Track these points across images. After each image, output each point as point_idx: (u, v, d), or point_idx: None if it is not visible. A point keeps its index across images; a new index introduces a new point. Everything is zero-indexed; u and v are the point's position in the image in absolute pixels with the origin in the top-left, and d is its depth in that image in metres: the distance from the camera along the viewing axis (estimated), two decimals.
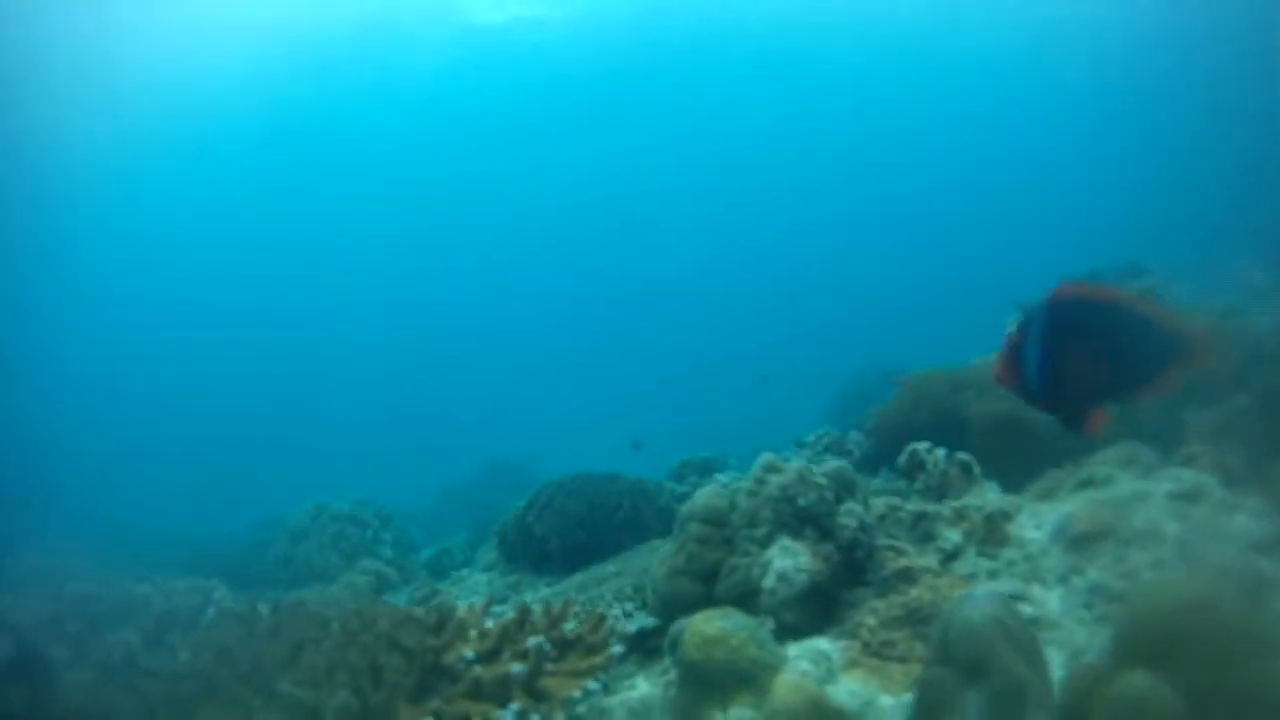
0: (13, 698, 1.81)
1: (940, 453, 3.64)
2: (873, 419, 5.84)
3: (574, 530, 5.18)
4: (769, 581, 2.73)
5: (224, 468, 19.44)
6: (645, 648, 2.99)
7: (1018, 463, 3.71)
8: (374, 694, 1.91)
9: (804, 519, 2.87)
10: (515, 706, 1.93)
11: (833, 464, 3.11)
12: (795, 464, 2.97)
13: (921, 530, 3.08)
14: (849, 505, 2.98)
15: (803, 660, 2.58)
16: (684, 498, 5.98)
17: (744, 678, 2.48)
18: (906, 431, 5.17)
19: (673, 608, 2.85)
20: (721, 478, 6.50)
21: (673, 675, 2.73)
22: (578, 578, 3.89)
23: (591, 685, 2.17)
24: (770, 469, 2.94)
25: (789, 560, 2.77)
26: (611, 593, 3.14)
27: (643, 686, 2.80)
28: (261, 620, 2.35)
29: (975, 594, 1.99)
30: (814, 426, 7.79)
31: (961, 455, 3.61)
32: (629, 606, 3.04)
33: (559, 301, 31.31)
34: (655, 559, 3.02)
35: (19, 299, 21.11)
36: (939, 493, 3.58)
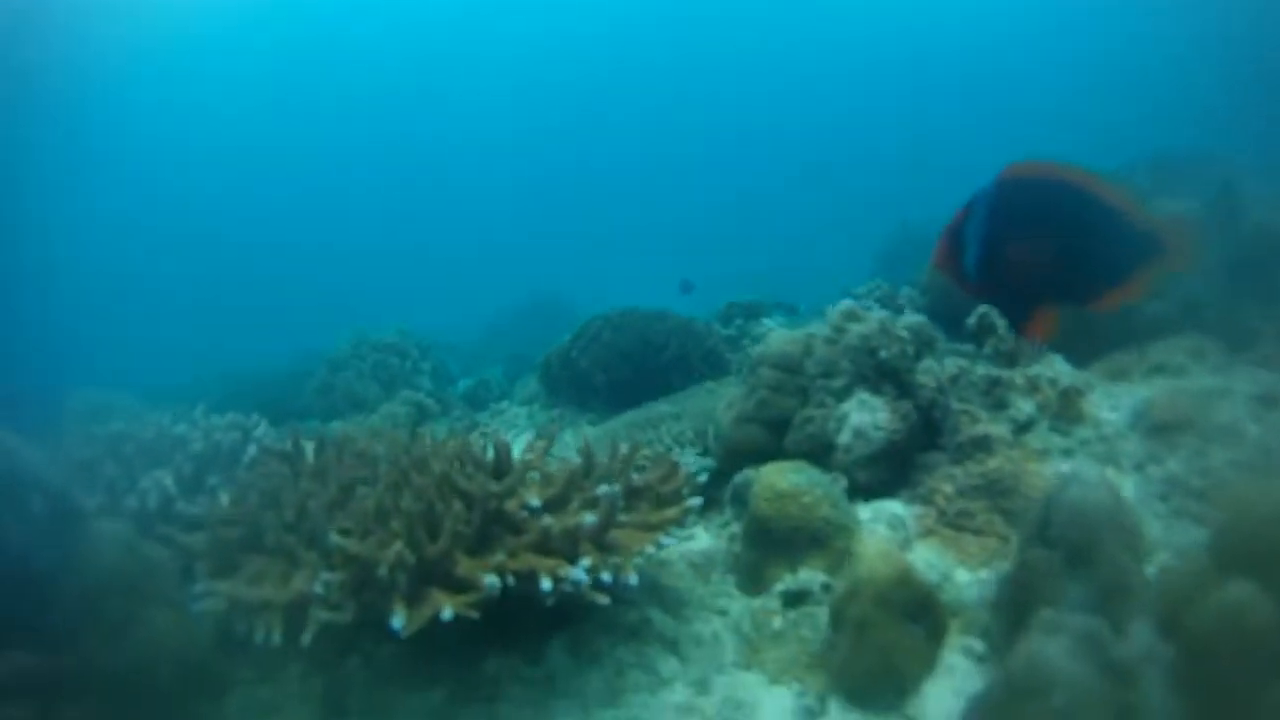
0: (45, 559, 1.68)
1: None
2: (928, 274, 5.59)
3: (620, 366, 5.02)
4: (845, 437, 2.54)
5: (267, 308, 19.50)
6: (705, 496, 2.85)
7: (1078, 337, 3.54)
8: (431, 545, 1.75)
9: (884, 373, 2.65)
10: (586, 562, 1.76)
11: (913, 318, 2.87)
12: (877, 313, 2.72)
13: (995, 397, 2.86)
14: (928, 362, 2.76)
15: (879, 524, 2.42)
16: (732, 341, 5.83)
17: (816, 538, 2.33)
18: (958, 291, 4.97)
19: (738, 456, 2.68)
20: (768, 322, 6.27)
21: (735, 528, 2.59)
22: (628, 416, 3.72)
23: (664, 540, 2.01)
24: (850, 317, 2.69)
25: (867, 415, 2.56)
26: (671, 436, 2.97)
27: (703, 538, 2.67)
28: (305, 460, 2.20)
29: (1082, 475, 1.79)
30: (858, 281, 7.54)
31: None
32: (691, 453, 2.88)
33: (611, 137, 30.35)
34: (720, 403, 2.83)
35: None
36: (1009, 359, 3.35)
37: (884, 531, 2.39)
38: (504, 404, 6.24)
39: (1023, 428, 2.74)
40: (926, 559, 2.33)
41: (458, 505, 1.83)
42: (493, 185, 29.31)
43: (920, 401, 2.67)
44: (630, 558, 1.83)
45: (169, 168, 25.63)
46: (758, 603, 2.31)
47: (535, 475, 2.06)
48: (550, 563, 1.71)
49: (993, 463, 2.50)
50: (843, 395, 2.59)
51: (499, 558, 1.72)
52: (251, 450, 2.38)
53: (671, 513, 1.99)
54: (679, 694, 2.04)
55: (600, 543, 1.87)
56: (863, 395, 2.59)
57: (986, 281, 1.66)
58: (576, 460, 2.18)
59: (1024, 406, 2.80)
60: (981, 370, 2.97)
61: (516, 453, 2.33)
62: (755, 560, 2.36)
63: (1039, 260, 1.56)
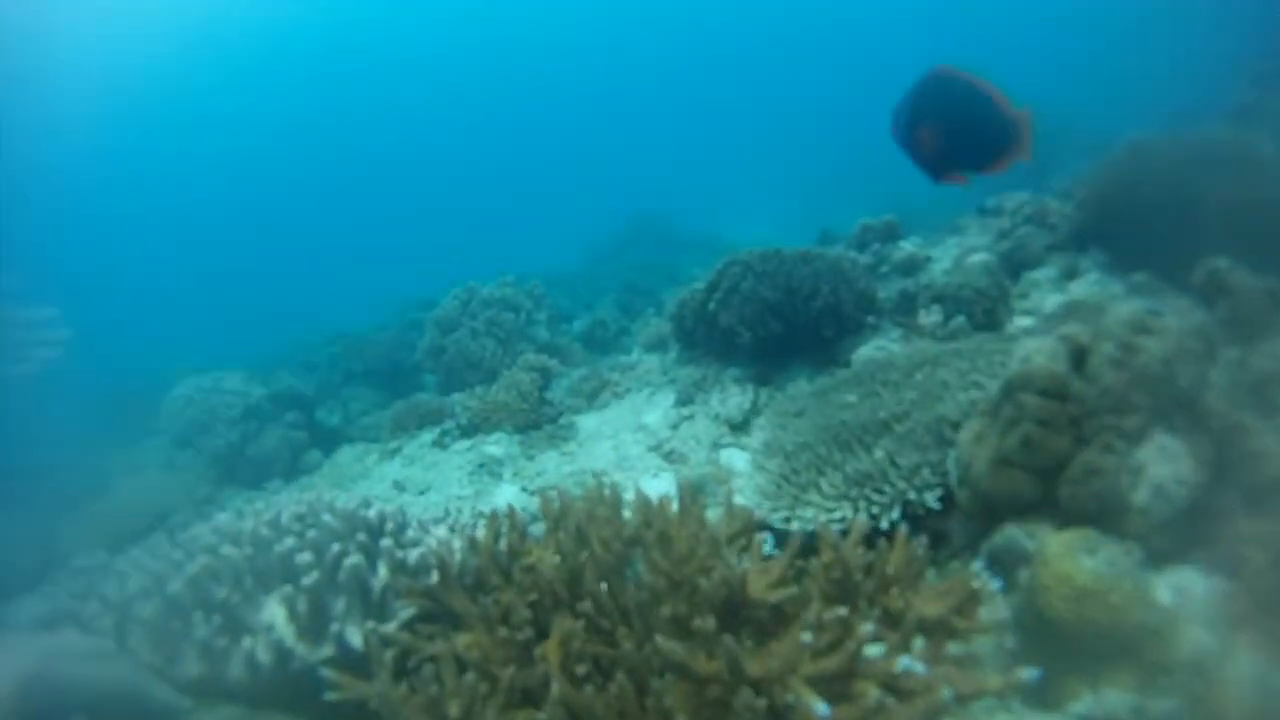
0: None
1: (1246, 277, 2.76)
2: (1083, 187, 4.85)
3: (767, 320, 4.42)
4: (1142, 495, 1.94)
5: (365, 260, 19.45)
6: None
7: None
8: None
9: (1180, 404, 2.02)
10: None
11: (1192, 318, 2.20)
12: (1171, 322, 2.06)
13: (1263, 397, 2.24)
14: (1213, 375, 2.13)
15: (1196, 627, 1.85)
16: (882, 278, 5.16)
17: (1124, 647, 1.79)
18: (1125, 208, 4.35)
19: (995, 507, 2.11)
20: (906, 245, 5.57)
21: (1002, 612, 2.05)
22: (807, 409, 3.15)
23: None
24: (1141, 328, 2.04)
25: (1168, 467, 1.96)
26: (900, 473, 2.39)
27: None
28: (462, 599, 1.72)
29: None
30: (963, 195, 6.72)
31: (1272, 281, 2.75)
32: (930, 496, 2.31)
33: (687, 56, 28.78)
34: (966, 435, 2.23)
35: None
36: (1245, 329, 2.70)
37: (1201, 638, 1.82)
38: (633, 355, 5.74)
39: None
40: (1252, 672, 1.78)
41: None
42: (576, 111, 28.37)
43: (1215, 434, 2.06)
44: None
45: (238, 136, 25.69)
46: None
47: (803, 636, 1.43)
48: None
49: None
50: (1137, 438, 1.98)
51: None
52: (381, 574, 1.90)
53: (993, 683, 1.44)
54: None
55: None
56: (1162, 439, 1.98)
57: (912, 151, 2.20)
58: (824, 558, 1.62)
59: None
60: (1256, 362, 2.34)
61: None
62: (1043, 668, 1.82)
63: (937, 139, 2.16)
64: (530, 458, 4.39)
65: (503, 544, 1.86)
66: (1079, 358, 2.13)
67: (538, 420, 4.72)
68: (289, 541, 1.92)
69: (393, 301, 8.64)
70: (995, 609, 2.02)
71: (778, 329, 4.42)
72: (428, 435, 5.04)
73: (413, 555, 1.87)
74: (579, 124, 27.97)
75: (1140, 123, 5.34)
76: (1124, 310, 2.09)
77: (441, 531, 2.15)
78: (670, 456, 3.97)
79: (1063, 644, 1.82)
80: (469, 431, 4.78)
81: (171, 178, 24.36)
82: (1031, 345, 2.17)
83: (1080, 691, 1.81)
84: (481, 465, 4.40)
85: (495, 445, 4.59)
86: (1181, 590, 1.92)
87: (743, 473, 3.53)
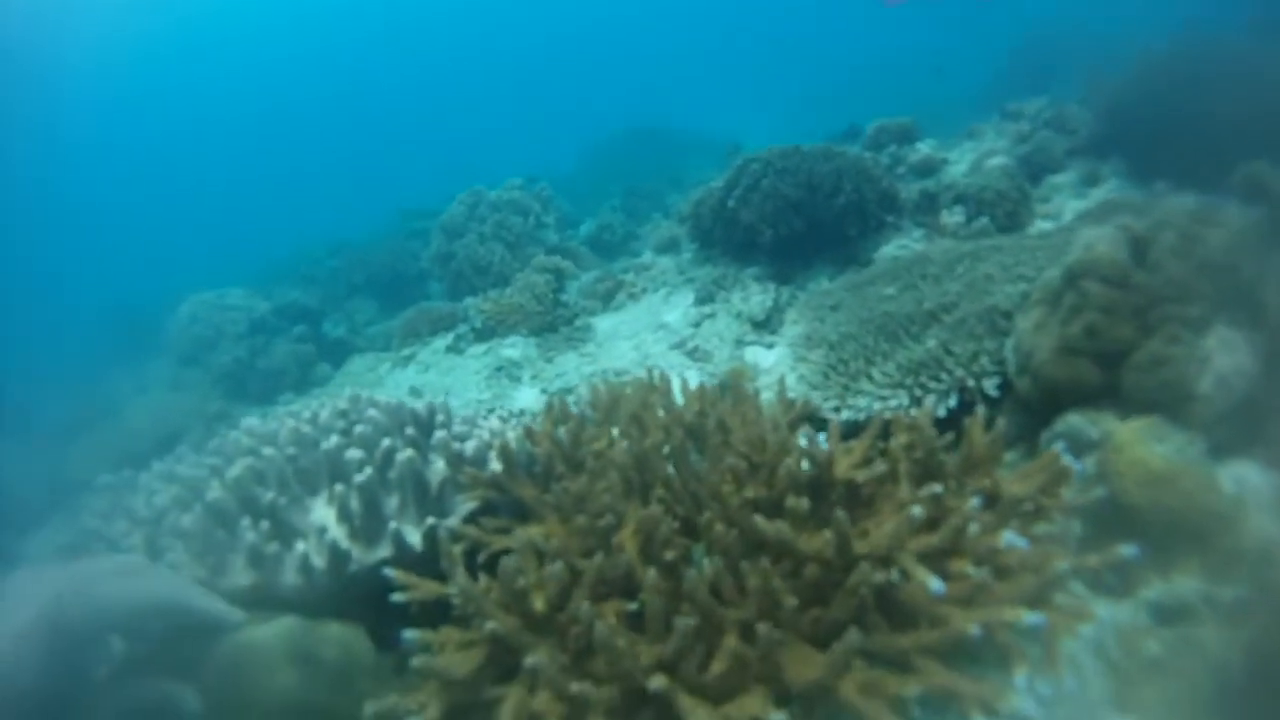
0: None
1: None
2: (1102, 95, 4.74)
3: (789, 218, 4.30)
4: (1206, 385, 1.88)
5: (362, 172, 19.03)
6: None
7: None
8: (802, 668, 1.21)
9: (1242, 295, 1.95)
10: (1021, 676, 1.19)
11: (1247, 212, 2.11)
12: (1232, 213, 1.97)
13: None
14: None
15: (1262, 515, 1.81)
16: (900, 179, 5.02)
17: (1194, 534, 1.76)
18: (1146, 117, 4.28)
19: (1058, 395, 2.05)
20: (922, 147, 5.43)
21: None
22: (843, 303, 3.07)
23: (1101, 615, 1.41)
24: (1202, 219, 1.95)
25: (1230, 358, 1.89)
26: (956, 357, 2.31)
27: None
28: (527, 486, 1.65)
29: None
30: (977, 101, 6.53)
31: None
32: (990, 384, 2.24)
33: None
34: (1025, 323, 2.15)
35: None
36: None
37: (1269, 526, 1.78)
38: (645, 257, 5.62)
39: None
40: None
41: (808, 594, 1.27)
42: (575, 20, 27.39)
43: (1272, 328, 1.99)
44: (1061, 652, 1.26)
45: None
46: (1123, 614, 1.76)
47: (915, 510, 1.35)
48: (980, 689, 1.15)
49: None
50: (1201, 328, 1.90)
51: (909, 686, 1.15)
52: (439, 467, 1.81)
53: (1091, 560, 1.39)
54: None
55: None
56: (1224, 331, 1.91)
57: None
58: (901, 440, 1.55)
59: None
60: None
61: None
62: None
63: None
64: (549, 360, 4.31)
65: (563, 435, 1.79)
66: (1139, 248, 2.04)
67: (554, 322, 4.63)
68: (334, 439, 1.84)
69: (392, 213, 8.43)
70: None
71: (800, 226, 4.30)
72: (440, 341, 4.95)
73: (469, 447, 1.79)
74: (576, 32, 27.19)
75: (1153, 32, 5.19)
76: (1183, 202, 2.00)
77: (494, 423, 2.08)
78: (694, 354, 3.90)
79: (1135, 530, 1.76)
80: (484, 335, 4.69)
81: (163, 96, 23.76)
82: (1092, 234, 2.08)
83: (1150, 579, 1.77)
84: (499, 368, 4.33)
85: (512, 348, 4.51)
86: (1241, 481, 1.88)
87: (769, 369, 3.47)
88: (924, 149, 5.45)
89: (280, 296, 6.26)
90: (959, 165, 5.20)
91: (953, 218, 4.30)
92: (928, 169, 5.17)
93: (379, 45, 27.32)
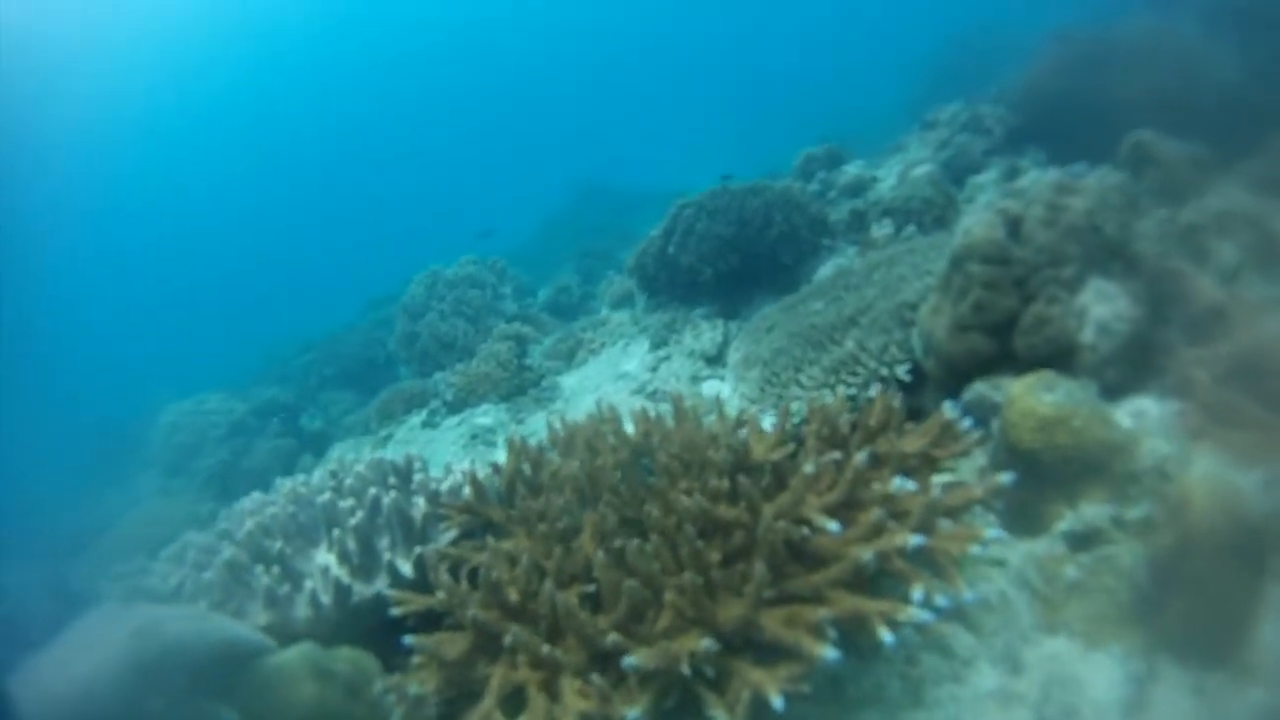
0: None
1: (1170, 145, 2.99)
2: (1018, 90, 5.10)
3: (726, 255, 4.61)
4: (1088, 334, 2.16)
5: (321, 266, 19.44)
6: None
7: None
8: (722, 610, 1.45)
9: (1110, 251, 2.24)
10: (918, 592, 1.43)
11: (1113, 177, 2.42)
12: (1091, 181, 2.28)
13: (1193, 245, 2.46)
14: (1142, 225, 2.35)
15: (1155, 439, 2.06)
16: (831, 203, 5.36)
17: (1093, 465, 2.00)
18: (1056, 105, 4.59)
19: (959, 368, 2.32)
20: (850, 169, 5.78)
21: (980, 459, 2.26)
22: (777, 323, 3.34)
23: (992, 534, 1.66)
24: (1064, 190, 2.25)
25: (1106, 307, 2.18)
26: (870, 352, 2.59)
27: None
28: (496, 506, 1.88)
29: None
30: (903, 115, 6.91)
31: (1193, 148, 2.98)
32: (901, 369, 2.51)
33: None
34: (924, 310, 2.44)
35: None
36: (1174, 194, 2.92)
37: (1160, 447, 2.04)
38: (602, 313, 5.90)
39: (1229, 276, 2.37)
40: (1213, 470, 1.99)
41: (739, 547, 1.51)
42: (519, 91, 28.36)
43: (1148, 276, 2.29)
44: (958, 570, 1.51)
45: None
46: (1040, 548, 2.00)
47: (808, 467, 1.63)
48: (881, 606, 1.39)
49: (1236, 337, 2.15)
50: (1075, 285, 2.19)
51: (821, 612, 1.39)
52: (420, 505, 2.06)
53: (975, 491, 1.65)
54: (988, 678, 1.77)
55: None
56: (1097, 283, 2.19)
57: None
58: (813, 425, 1.82)
59: (1225, 252, 2.41)
60: (1185, 217, 2.57)
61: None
62: (1023, 498, 2.04)
63: None
64: (520, 421, 4.55)
65: (525, 466, 2.04)
66: (1014, 227, 2.34)
67: (521, 385, 4.87)
68: (328, 494, 2.08)
69: (354, 303, 8.72)
70: (974, 456, 2.24)
71: (737, 262, 4.61)
72: (416, 418, 5.17)
73: (445, 485, 2.04)
74: (523, 104, 28.03)
75: (1060, 18, 5.55)
76: (1047, 177, 2.30)
77: (465, 465, 2.32)
78: (655, 396, 4.15)
79: (1037, 472, 2.02)
80: (456, 407, 4.92)
81: (121, 214, 24.12)
82: (969, 221, 2.37)
83: (1062, 512, 2.01)
84: (474, 436, 4.55)
85: (484, 416, 4.74)
86: (1139, 414, 2.14)
87: (728, 399, 3.73)
88: (852, 170, 5.77)
89: (256, 396, 6.48)
90: (887, 180, 5.50)
91: (882, 230, 4.60)
92: (858, 188, 5.48)
93: (329, 136, 27.96)
